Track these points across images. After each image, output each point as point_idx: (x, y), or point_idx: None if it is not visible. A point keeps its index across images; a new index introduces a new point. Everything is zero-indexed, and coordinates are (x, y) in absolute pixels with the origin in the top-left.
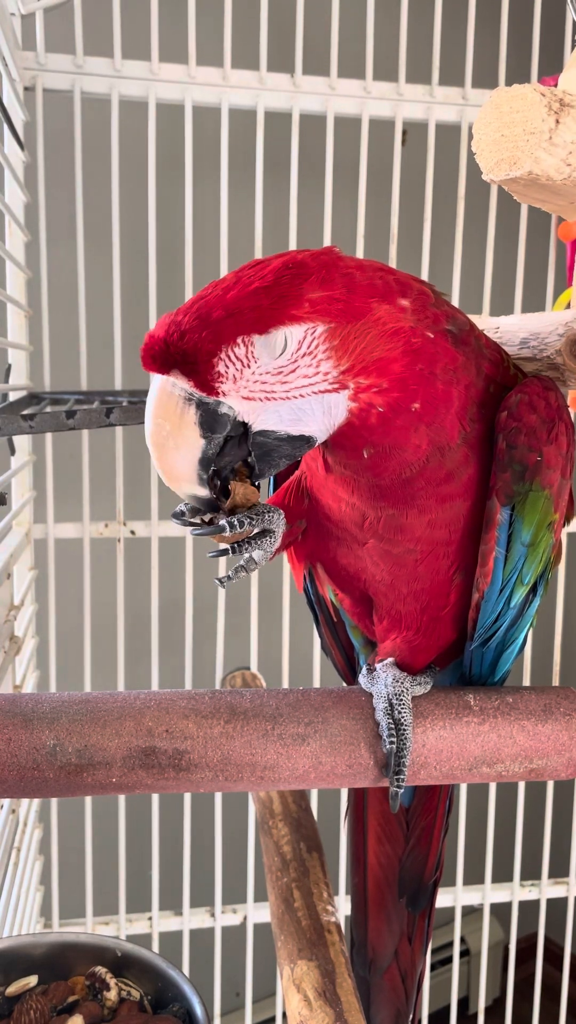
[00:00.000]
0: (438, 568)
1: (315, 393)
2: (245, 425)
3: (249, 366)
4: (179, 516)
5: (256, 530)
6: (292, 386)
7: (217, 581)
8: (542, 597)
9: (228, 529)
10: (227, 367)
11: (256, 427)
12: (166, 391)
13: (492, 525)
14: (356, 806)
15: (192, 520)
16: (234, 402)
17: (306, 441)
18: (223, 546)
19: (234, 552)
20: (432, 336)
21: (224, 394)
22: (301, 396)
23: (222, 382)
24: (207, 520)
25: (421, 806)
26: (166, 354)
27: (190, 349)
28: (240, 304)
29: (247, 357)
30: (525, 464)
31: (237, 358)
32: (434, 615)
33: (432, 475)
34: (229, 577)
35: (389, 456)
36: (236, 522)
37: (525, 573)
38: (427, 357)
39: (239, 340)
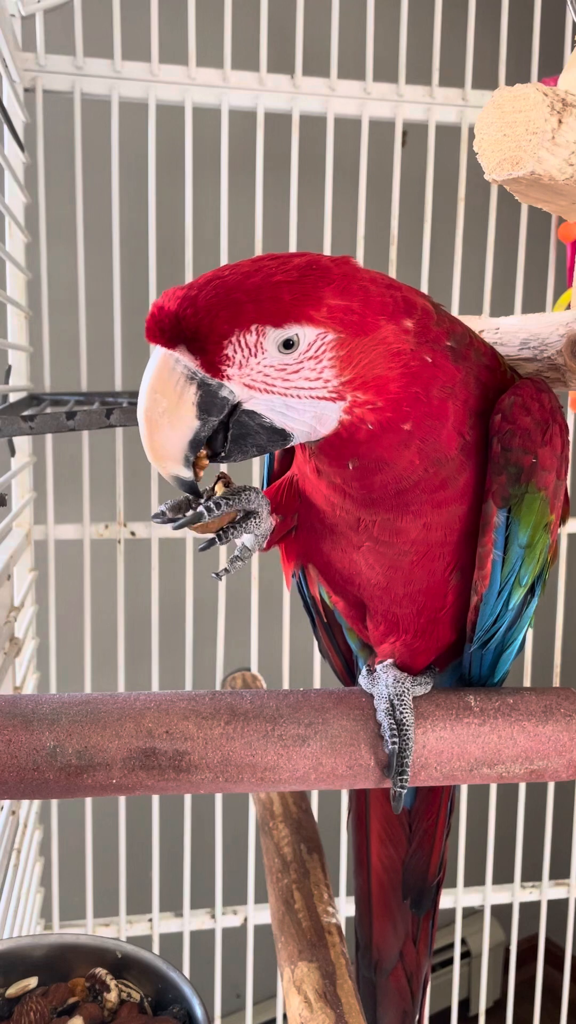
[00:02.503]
0: (434, 570)
1: (312, 398)
2: (233, 407)
3: (256, 356)
4: (160, 516)
5: (239, 513)
6: (292, 385)
7: (214, 575)
8: (540, 598)
9: (207, 514)
10: (235, 352)
11: (246, 406)
12: (168, 366)
13: (489, 528)
14: (358, 809)
15: (174, 517)
16: (235, 387)
17: (283, 438)
18: (210, 536)
19: (221, 540)
20: (431, 360)
21: (228, 378)
22: (298, 397)
23: (228, 365)
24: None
25: (423, 807)
26: (176, 328)
27: (203, 327)
28: (262, 293)
29: (256, 347)
30: (520, 466)
31: (247, 345)
32: (432, 617)
33: (427, 483)
34: (227, 569)
35: (377, 470)
36: (213, 504)
37: (523, 574)
38: (424, 380)
39: (253, 328)
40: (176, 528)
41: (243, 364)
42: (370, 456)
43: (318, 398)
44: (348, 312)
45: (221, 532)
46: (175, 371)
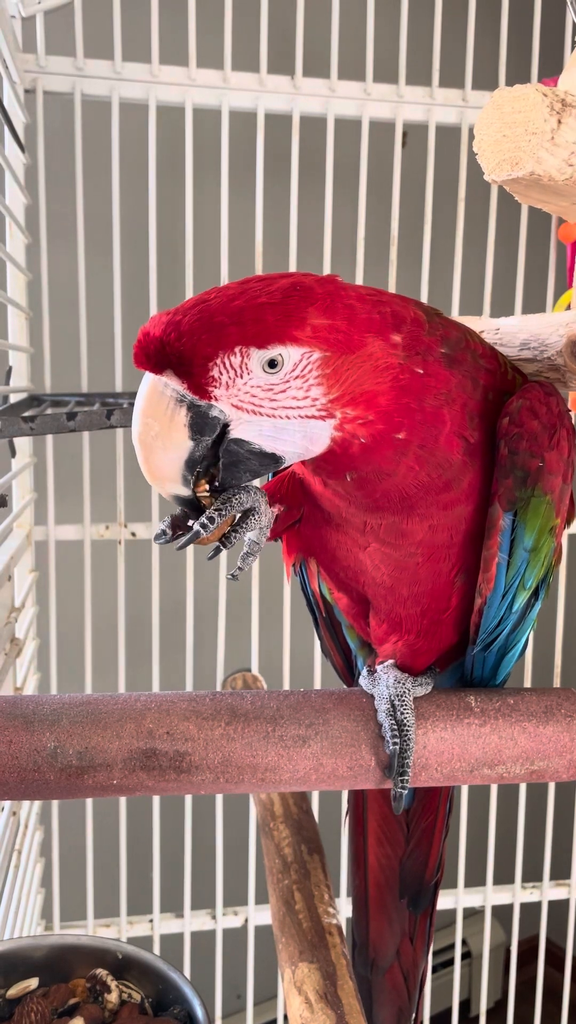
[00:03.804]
0: (439, 571)
1: (301, 417)
2: (223, 431)
3: (242, 376)
4: (162, 535)
5: (236, 516)
6: (280, 405)
7: (230, 576)
8: (543, 601)
9: (204, 530)
10: (221, 373)
11: (233, 434)
12: (157, 391)
13: (495, 531)
14: (356, 808)
15: (175, 536)
16: (224, 407)
17: (275, 461)
18: (215, 544)
19: (226, 546)
20: (422, 371)
21: (216, 399)
22: (287, 417)
23: (215, 387)
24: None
25: (421, 808)
26: (161, 354)
27: (187, 351)
28: (244, 315)
29: (242, 367)
30: (527, 470)
31: (232, 367)
32: (435, 618)
33: (431, 486)
34: (240, 568)
35: (377, 480)
36: (207, 520)
37: (527, 578)
38: (415, 390)
39: (237, 350)
40: (179, 549)
41: (229, 385)
42: (367, 468)
43: (307, 417)
44: (333, 331)
45: (224, 538)
46: (164, 395)
